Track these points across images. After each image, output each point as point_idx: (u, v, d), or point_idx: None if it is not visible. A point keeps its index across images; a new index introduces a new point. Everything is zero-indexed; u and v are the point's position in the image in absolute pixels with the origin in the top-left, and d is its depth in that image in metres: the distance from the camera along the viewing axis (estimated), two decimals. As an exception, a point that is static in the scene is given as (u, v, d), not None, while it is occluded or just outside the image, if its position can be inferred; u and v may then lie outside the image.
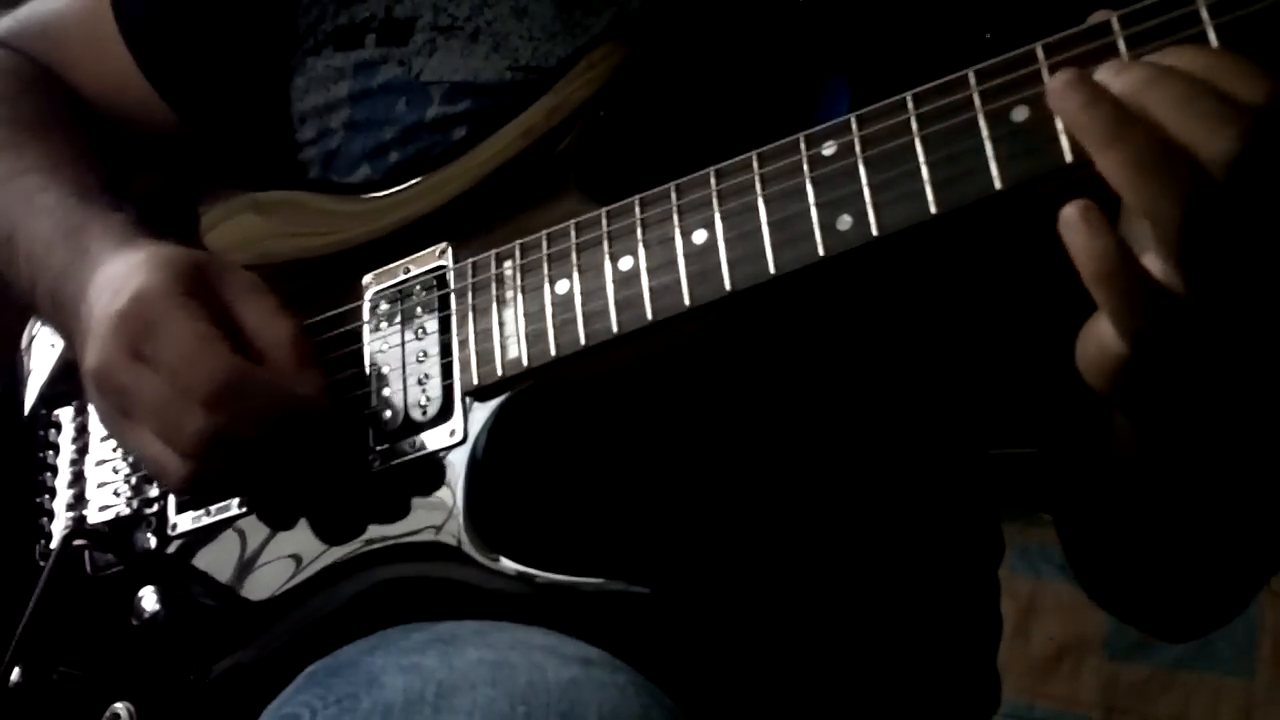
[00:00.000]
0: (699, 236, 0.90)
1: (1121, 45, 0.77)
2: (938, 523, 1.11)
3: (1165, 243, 0.74)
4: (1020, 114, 0.80)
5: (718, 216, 0.90)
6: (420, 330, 1.02)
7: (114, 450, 1.17)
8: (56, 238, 1.10)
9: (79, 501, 1.18)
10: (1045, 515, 1.08)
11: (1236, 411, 0.87)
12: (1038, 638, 2.54)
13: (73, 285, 1.06)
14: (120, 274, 1.00)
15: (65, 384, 1.24)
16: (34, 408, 1.27)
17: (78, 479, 1.19)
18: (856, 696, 1.06)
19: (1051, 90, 0.77)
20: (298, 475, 1.01)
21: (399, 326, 1.03)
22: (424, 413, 1.00)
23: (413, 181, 1.08)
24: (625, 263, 0.93)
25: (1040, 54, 0.80)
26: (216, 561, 1.08)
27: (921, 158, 0.82)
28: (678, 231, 0.91)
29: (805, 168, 0.87)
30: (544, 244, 0.97)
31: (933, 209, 0.82)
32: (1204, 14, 0.74)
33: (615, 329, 0.92)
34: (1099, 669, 2.51)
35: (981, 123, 0.80)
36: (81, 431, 1.21)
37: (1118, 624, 2.41)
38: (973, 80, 0.81)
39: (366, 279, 1.06)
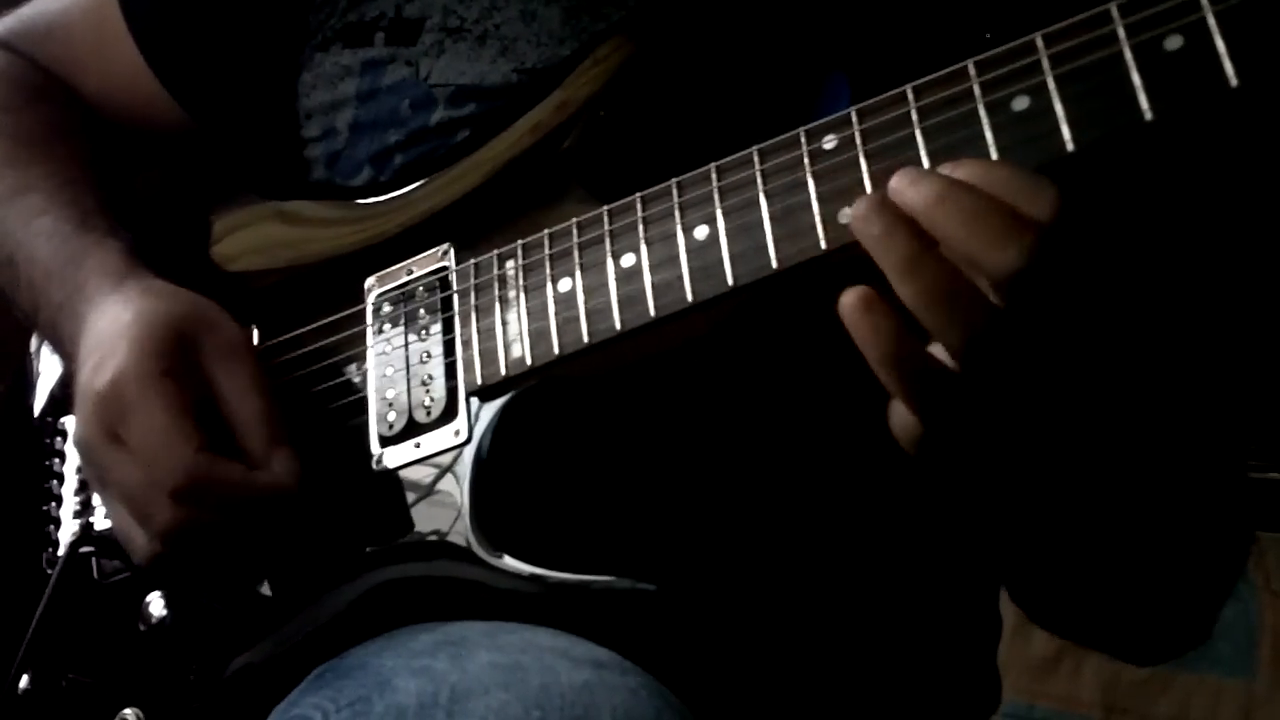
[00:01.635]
0: (701, 232, 0.90)
1: (1121, 33, 0.77)
2: (938, 523, 1.11)
3: (954, 358, 0.79)
4: (1021, 104, 0.79)
5: (719, 212, 0.90)
6: (423, 331, 1.02)
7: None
8: (54, 268, 1.11)
9: (85, 508, 1.18)
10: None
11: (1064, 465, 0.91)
12: (1038, 638, 2.51)
13: (68, 326, 1.07)
14: (106, 341, 1.02)
15: (70, 393, 1.25)
16: (40, 415, 1.27)
17: (84, 486, 1.19)
18: (858, 696, 1.06)
19: (854, 217, 0.80)
20: (266, 552, 1.03)
21: (402, 328, 1.03)
22: (428, 413, 1.00)
23: (417, 184, 1.08)
24: (627, 260, 0.93)
25: (1040, 44, 0.79)
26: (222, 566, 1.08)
27: (923, 149, 0.82)
28: (679, 228, 0.91)
29: (806, 161, 0.87)
30: (546, 243, 0.97)
31: (934, 199, 0.81)
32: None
33: (618, 326, 0.92)
34: (1099, 669, 2.50)
35: (982, 113, 0.80)
36: (87, 439, 1.21)
37: (1117, 624, 2.41)
38: (973, 71, 0.81)
39: (369, 281, 1.07)
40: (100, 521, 1.16)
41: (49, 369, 1.28)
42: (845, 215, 0.85)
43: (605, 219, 0.95)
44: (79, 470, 1.21)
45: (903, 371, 0.79)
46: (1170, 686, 2.44)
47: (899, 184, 0.79)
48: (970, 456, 0.86)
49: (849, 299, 0.78)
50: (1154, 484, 0.97)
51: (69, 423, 1.24)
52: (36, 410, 1.28)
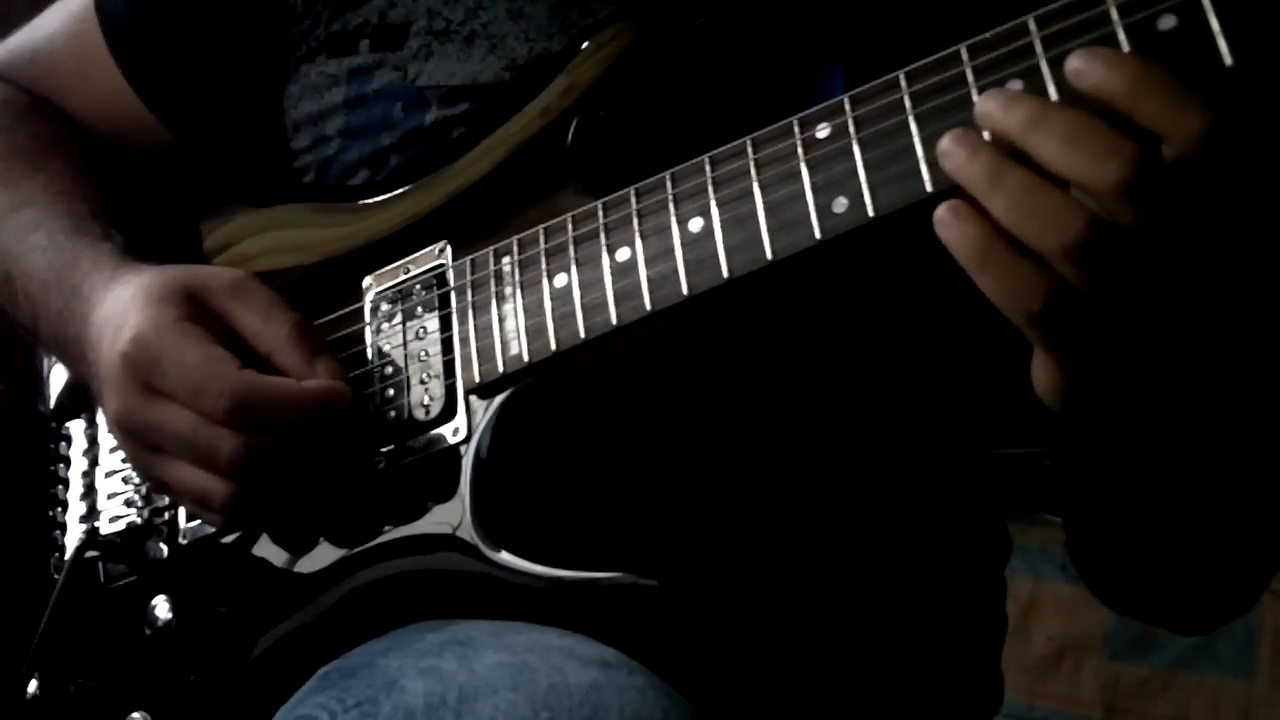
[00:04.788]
0: (695, 224, 0.89)
1: (1114, 14, 0.76)
2: (944, 521, 1.10)
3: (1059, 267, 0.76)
4: (1014, 87, 0.78)
5: (713, 203, 0.89)
6: (421, 329, 1.01)
7: (124, 461, 1.18)
8: (50, 278, 1.11)
9: (91, 513, 1.19)
10: (1045, 515, 1.06)
11: (1194, 410, 0.87)
12: (1038, 638, 2.54)
13: (72, 328, 1.07)
14: (115, 315, 1.01)
15: (75, 397, 1.25)
16: (47, 420, 1.27)
17: (89, 491, 1.20)
18: (861, 695, 1.06)
19: (941, 152, 0.78)
20: (339, 466, 1.01)
21: (400, 326, 1.03)
22: (427, 412, 1.00)
23: (414, 184, 1.08)
24: (622, 254, 0.92)
25: (1033, 26, 0.78)
26: (226, 567, 1.08)
27: (915, 136, 0.81)
28: (674, 220, 0.90)
29: (800, 151, 0.86)
30: (541, 238, 0.96)
31: (928, 187, 0.81)
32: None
33: (614, 320, 0.92)
34: (1099, 669, 2.50)
35: (975, 98, 0.79)
36: (92, 443, 1.22)
37: (1118, 624, 2.40)
38: (965, 55, 0.80)
39: (367, 280, 1.06)
40: (105, 526, 1.17)
41: (56, 373, 1.28)
42: (840, 204, 0.84)
43: (600, 213, 0.94)
44: (84, 475, 1.21)
45: (998, 268, 0.76)
46: (1170, 686, 2.44)
47: (991, 106, 0.77)
48: (1115, 396, 0.81)
49: (940, 212, 0.77)
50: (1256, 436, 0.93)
51: (74, 427, 1.24)
52: (46, 414, 1.28)
